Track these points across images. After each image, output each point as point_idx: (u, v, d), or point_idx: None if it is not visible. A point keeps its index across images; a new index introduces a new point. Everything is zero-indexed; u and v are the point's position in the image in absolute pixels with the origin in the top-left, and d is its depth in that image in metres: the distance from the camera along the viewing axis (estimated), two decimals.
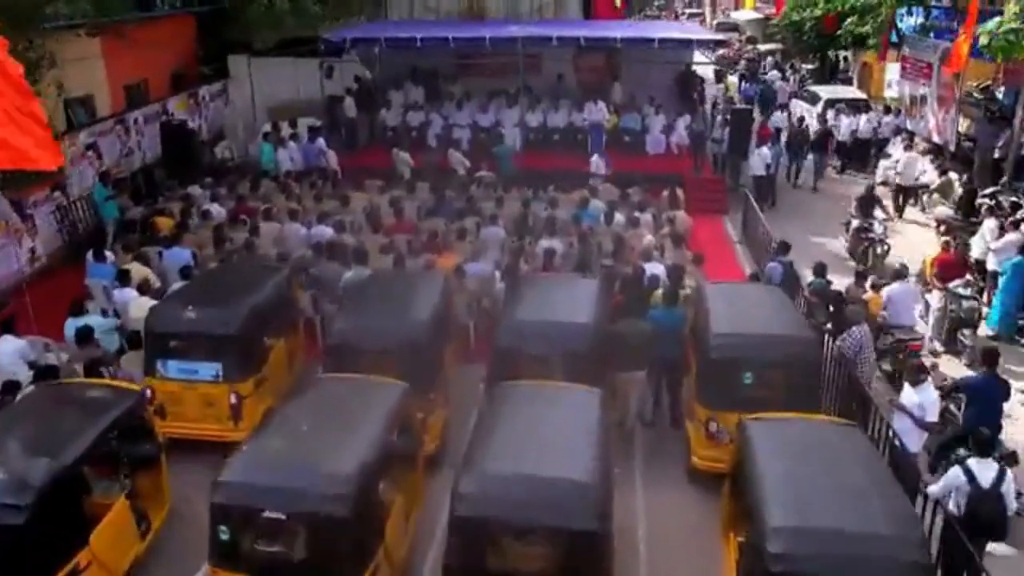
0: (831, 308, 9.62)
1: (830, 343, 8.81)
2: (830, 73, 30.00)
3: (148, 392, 7.92)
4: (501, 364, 7.69)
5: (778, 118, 19.39)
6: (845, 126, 19.92)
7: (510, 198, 14.13)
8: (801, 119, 19.30)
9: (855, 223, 13.98)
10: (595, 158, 15.73)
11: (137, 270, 10.76)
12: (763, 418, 6.34)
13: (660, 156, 18.28)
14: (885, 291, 10.05)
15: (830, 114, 20.89)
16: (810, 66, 31.31)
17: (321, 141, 16.51)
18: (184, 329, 8.14)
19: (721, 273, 11.82)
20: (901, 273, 10.33)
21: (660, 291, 9.32)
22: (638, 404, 8.67)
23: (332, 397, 6.75)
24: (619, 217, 13.03)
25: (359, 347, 7.73)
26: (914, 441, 7.23)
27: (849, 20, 19.68)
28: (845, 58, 29.42)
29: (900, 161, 17.19)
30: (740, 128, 16.81)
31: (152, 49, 18.79)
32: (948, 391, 8.35)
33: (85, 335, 8.60)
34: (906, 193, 17.15)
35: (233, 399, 8.12)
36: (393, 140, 18.73)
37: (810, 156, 18.54)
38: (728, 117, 17.16)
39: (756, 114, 19.49)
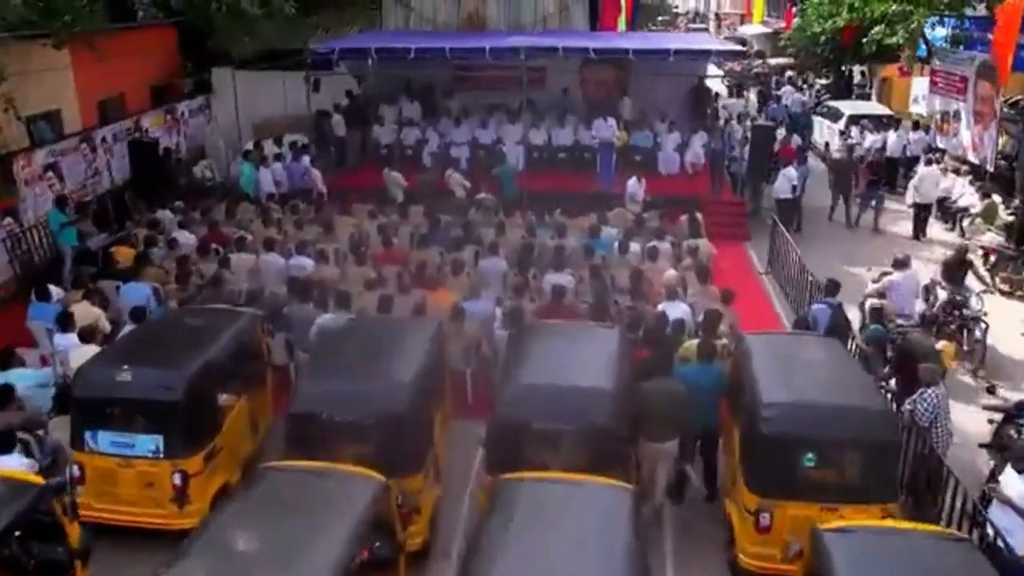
0: (894, 361, 8.17)
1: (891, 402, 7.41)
2: (846, 88, 28.72)
3: (71, 472, 6.49)
4: (502, 444, 6.26)
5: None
6: (870, 143, 18.54)
7: (512, 224, 12.73)
8: (851, 147, 17.32)
9: (942, 295, 10.86)
10: (632, 182, 14.30)
11: (84, 311, 9.32)
12: (846, 527, 4.88)
13: (674, 176, 16.91)
14: (885, 280, 10.38)
15: (854, 131, 19.54)
16: (824, 81, 30.05)
17: (306, 160, 15.13)
18: (116, 393, 6.69)
19: (748, 311, 10.35)
20: (903, 263, 10.54)
21: (692, 341, 7.89)
22: (668, 479, 7.20)
23: (282, 502, 5.27)
24: (634, 247, 11.62)
25: (328, 418, 6.29)
26: (1022, 542, 5.77)
27: (876, 30, 18.32)
28: (862, 72, 28.12)
29: (916, 176, 15.87)
30: (762, 147, 15.44)
31: (129, 61, 17.50)
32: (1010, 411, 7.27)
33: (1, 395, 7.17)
34: (925, 211, 15.79)
35: (177, 479, 6.67)
36: (386, 159, 17.41)
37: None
38: (748, 134, 15.77)
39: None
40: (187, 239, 12.08)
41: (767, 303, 12.40)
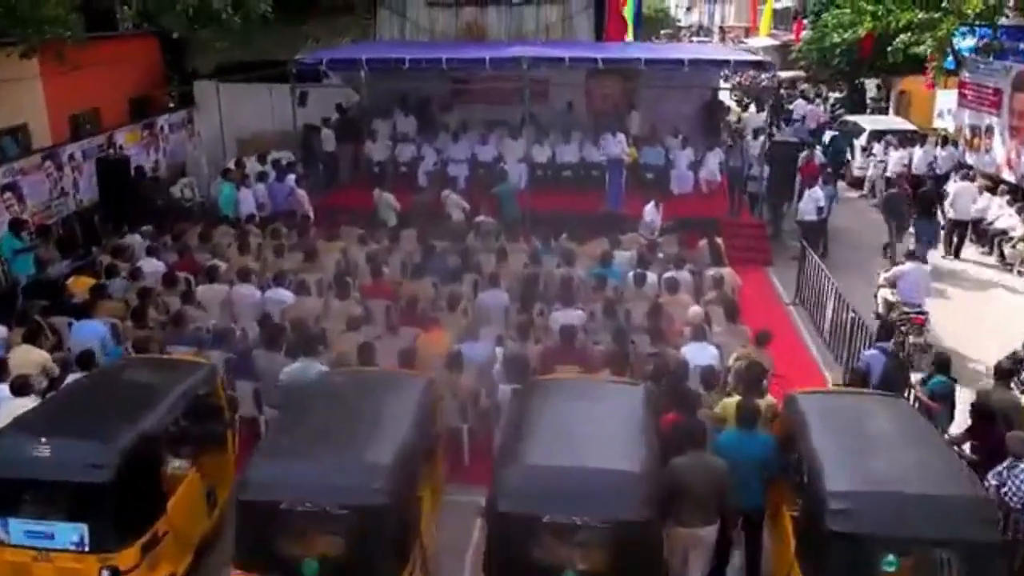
0: (970, 422, 6.93)
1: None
2: (860, 102, 27.64)
3: None
4: (504, 541, 5.02)
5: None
6: (895, 161, 17.38)
7: (515, 250, 11.53)
8: (901, 175, 15.65)
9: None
10: (649, 208, 12.97)
11: (22, 356, 8.10)
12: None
13: (687, 196, 15.73)
14: (896, 269, 10.98)
15: (877, 147, 18.41)
16: (837, 94, 28.98)
17: (291, 179, 13.95)
18: (31, 473, 5.45)
19: (779, 352, 9.07)
20: (914, 253, 11.13)
21: (729, 400, 6.66)
22: (704, 571, 5.96)
23: None
24: (651, 277, 10.42)
25: (286, 510, 5.06)
26: None
27: (901, 38, 17.17)
28: (878, 86, 27.03)
29: (951, 192, 14.70)
30: (784, 164, 14.25)
31: (106, 72, 16.42)
32: None
33: None
34: (961, 229, 14.62)
35: None
36: (379, 176, 16.29)
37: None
38: (768, 151, 14.58)
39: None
40: (155, 267, 10.89)
41: (799, 342, 11.15)
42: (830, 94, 28.88)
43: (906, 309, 10.39)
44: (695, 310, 9.21)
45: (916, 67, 20.72)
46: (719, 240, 12.02)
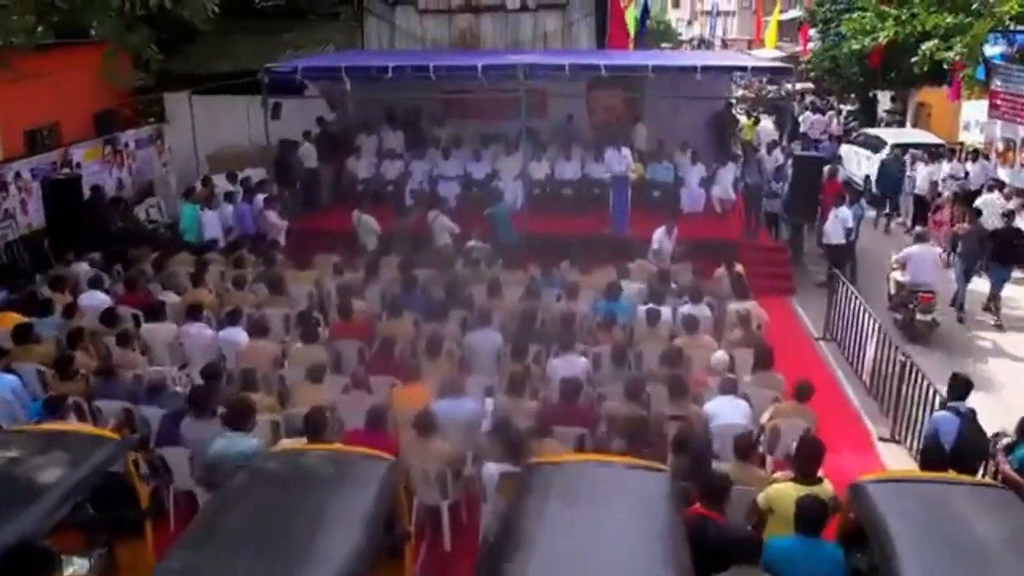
0: None
1: None
2: (872, 114, 26.40)
3: None
4: None
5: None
6: (923, 176, 16.05)
7: (510, 280, 10.16)
8: (978, 211, 13.00)
9: None
10: (659, 233, 11.52)
11: None
12: None
13: (699, 216, 14.37)
14: (906, 251, 11.25)
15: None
16: (850, 107, 27.72)
17: (259, 200, 12.60)
18: None
19: (817, 405, 7.67)
20: (923, 236, 11.51)
21: (780, 486, 5.25)
22: None
23: None
24: (665, 313, 9.04)
25: None
26: None
27: (929, 44, 15.89)
28: (892, 97, 25.78)
29: (980, 206, 13.36)
30: (806, 182, 12.90)
31: (67, 83, 15.10)
32: None
33: None
34: None
35: None
36: (363, 196, 14.97)
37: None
38: (789, 167, 13.22)
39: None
40: (97, 301, 9.55)
41: (834, 385, 9.72)
42: (841, 106, 27.61)
43: (914, 288, 10.69)
44: (720, 356, 7.84)
45: (936, 77, 19.46)
46: (740, 268, 10.69)
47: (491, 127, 16.07)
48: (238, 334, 8.63)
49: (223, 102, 16.41)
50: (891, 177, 16.42)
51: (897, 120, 25.27)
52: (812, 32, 29.62)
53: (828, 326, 11.03)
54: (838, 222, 12.31)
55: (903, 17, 16.41)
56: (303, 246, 11.90)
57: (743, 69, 12.67)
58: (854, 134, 21.14)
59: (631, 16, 20.76)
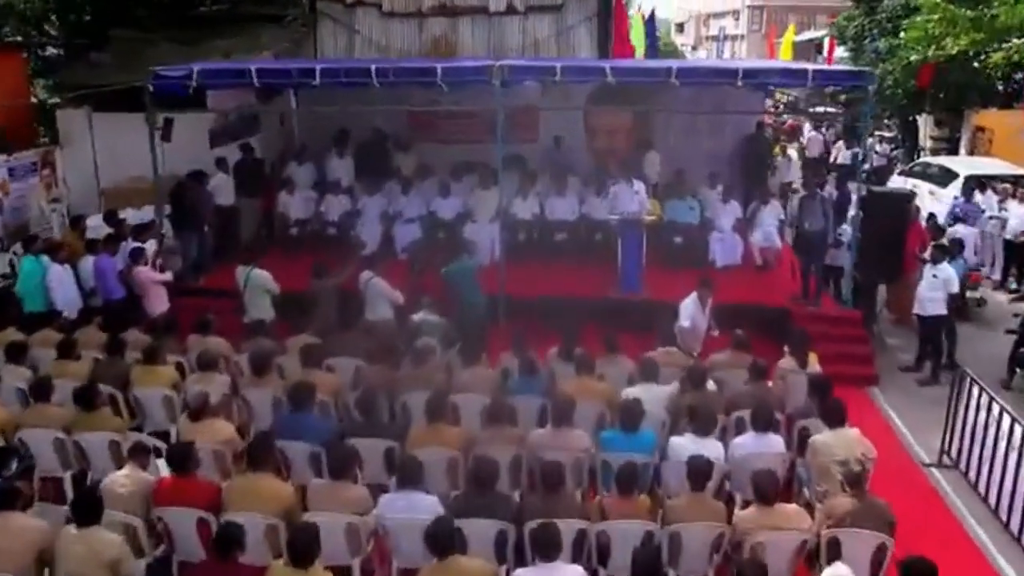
0: None
1: None
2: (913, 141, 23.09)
3: None
4: None
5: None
6: (1018, 218, 12.57)
7: (469, 383, 6.67)
8: None
9: None
10: (689, 303, 7.94)
11: None
12: None
13: (735, 271, 10.90)
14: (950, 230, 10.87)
15: (979, 197, 13.59)
16: (887, 132, 24.44)
17: (128, 251, 9.07)
18: None
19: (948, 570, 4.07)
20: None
21: None
22: None
23: None
24: (714, 454, 5.50)
25: None
26: None
27: (1015, 43, 12.48)
28: (938, 122, 22.43)
29: None
30: (887, 226, 9.43)
31: None
32: None
33: None
34: None
35: None
36: (298, 241, 11.60)
37: None
38: (862, 206, 9.71)
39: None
40: None
41: (973, 548, 6.16)
42: (877, 133, 24.28)
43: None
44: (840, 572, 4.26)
45: (1006, 100, 16.12)
46: (815, 360, 7.20)
47: (470, 153, 12.69)
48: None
49: (132, 122, 12.93)
50: (972, 217, 12.89)
51: (944, 148, 21.92)
52: (840, 51, 26.45)
53: (947, 445, 7.42)
54: (939, 284, 8.79)
55: (984, 17, 13.01)
56: (188, 317, 8.41)
57: (802, 75, 9.20)
58: (892, 163, 17.68)
59: (636, 31, 17.60)
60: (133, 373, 6.99)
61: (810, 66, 10.10)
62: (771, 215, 11.27)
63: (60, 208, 12.83)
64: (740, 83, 9.05)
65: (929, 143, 22.75)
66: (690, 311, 7.78)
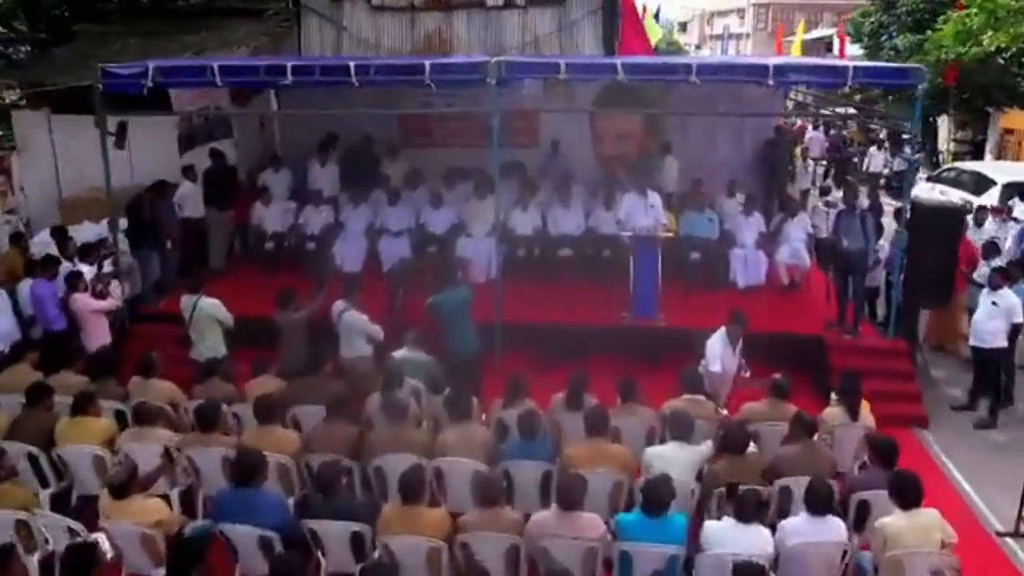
0: None
1: None
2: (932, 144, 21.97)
3: None
4: None
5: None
6: None
7: (455, 442, 5.54)
8: None
9: None
10: (717, 340, 6.78)
11: None
12: None
13: (760, 292, 9.76)
14: None
15: (1019, 208, 12.48)
16: (905, 136, 23.23)
17: (68, 273, 7.91)
18: None
19: None
20: None
21: None
22: None
23: None
24: (761, 538, 4.38)
25: None
26: None
27: None
28: (962, 124, 21.33)
29: None
30: (937, 244, 8.29)
31: None
32: None
33: None
34: None
35: None
36: (274, 258, 10.50)
37: None
38: (908, 221, 8.56)
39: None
40: None
41: None
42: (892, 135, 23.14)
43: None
44: None
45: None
46: (868, 411, 6.08)
47: (464, 158, 11.56)
48: None
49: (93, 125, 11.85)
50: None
51: (968, 152, 20.81)
52: (854, 48, 25.32)
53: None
54: (1000, 313, 7.65)
55: None
56: (139, 347, 7.29)
57: (841, 73, 8.04)
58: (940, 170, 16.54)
59: (650, 22, 16.52)
60: (59, 426, 5.88)
61: (850, 63, 8.98)
62: (798, 229, 10.14)
63: (15, 220, 11.70)
64: (771, 82, 7.91)
65: (951, 146, 21.64)
66: (718, 352, 6.63)
